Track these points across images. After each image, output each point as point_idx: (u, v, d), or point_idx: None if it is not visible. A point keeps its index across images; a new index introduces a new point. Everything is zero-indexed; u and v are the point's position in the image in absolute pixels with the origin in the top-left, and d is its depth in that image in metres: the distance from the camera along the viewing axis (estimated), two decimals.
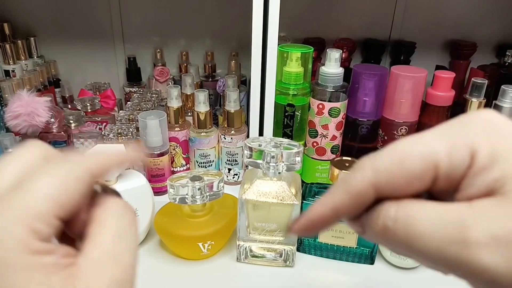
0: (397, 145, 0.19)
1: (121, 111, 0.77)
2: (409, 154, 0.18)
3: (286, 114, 0.67)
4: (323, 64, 0.67)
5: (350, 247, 0.56)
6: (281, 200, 0.52)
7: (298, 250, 0.58)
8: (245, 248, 0.56)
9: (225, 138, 0.72)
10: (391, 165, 0.19)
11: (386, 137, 0.69)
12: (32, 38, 0.88)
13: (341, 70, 0.66)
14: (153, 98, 0.80)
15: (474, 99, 0.67)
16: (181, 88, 0.74)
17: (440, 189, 0.19)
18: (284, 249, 0.56)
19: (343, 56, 0.84)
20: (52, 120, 0.67)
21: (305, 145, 0.71)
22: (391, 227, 0.19)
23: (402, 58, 0.91)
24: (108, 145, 0.53)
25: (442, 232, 0.17)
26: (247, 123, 0.74)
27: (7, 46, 0.81)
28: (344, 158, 0.56)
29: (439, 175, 0.18)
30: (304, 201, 0.55)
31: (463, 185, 0.18)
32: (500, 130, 0.18)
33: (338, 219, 0.21)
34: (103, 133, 0.69)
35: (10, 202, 0.18)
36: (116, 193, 0.23)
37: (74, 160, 0.21)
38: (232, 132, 0.71)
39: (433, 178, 0.18)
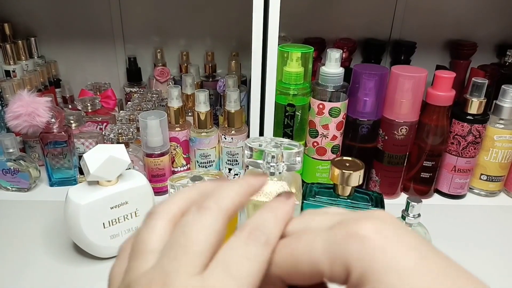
0: (294, 246, 0.22)
1: (121, 111, 0.77)
2: (301, 261, 0.22)
3: (287, 114, 0.67)
4: (324, 64, 0.67)
5: None
6: None
7: None
8: None
9: (225, 138, 0.72)
10: (288, 265, 0.22)
11: (386, 137, 0.69)
12: (32, 39, 0.88)
13: (341, 70, 0.66)
14: (153, 98, 0.81)
15: (474, 99, 0.67)
16: (181, 88, 0.74)
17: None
18: None
19: (344, 56, 0.84)
20: (53, 120, 0.67)
21: (305, 145, 0.71)
22: None
23: (402, 58, 0.91)
24: (108, 145, 0.53)
25: None
26: (247, 123, 0.74)
27: (8, 46, 0.81)
28: (344, 158, 0.56)
29: (324, 278, 0.21)
30: (304, 201, 0.55)
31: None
32: (374, 250, 0.20)
33: None
34: (103, 133, 0.69)
35: (217, 283, 0.20)
36: None
37: (265, 237, 0.22)
38: (233, 132, 0.71)
39: (320, 278, 0.21)
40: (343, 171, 0.53)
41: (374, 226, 0.21)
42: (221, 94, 0.82)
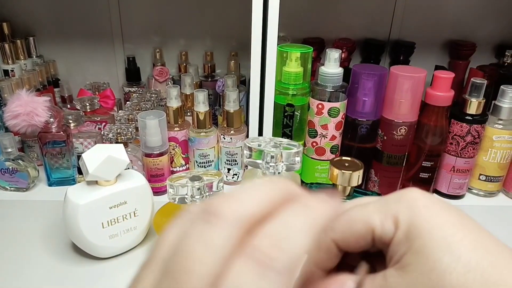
0: (349, 212, 0.24)
1: (120, 111, 0.77)
2: (355, 221, 0.24)
3: (286, 114, 0.67)
4: (323, 64, 0.67)
5: None
6: None
7: None
8: None
9: (224, 138, 0.72)
10: (344, 227, 0.24)
11: (385, 137, 0.69)
12: (31, 38, 0.88)
13: (340, 70, 0.66)
14: (152, 98, 0.80)
15: (473, 99, 0.67)
16: (180, 88, 0.74)
17: (378, 249, 0.24)
18: None
19: (343, 56, 0.84)
20: (51, 120, 0.67)
21: (304, 145, 0.71)
22: None
23: (401, 58, 0.91)
24: (107, 145, 0.53)
25: None
26: (246, 123, 0.74)
27: (6, 45, 0.81)
28: (343, 158, 0.56)
29: (375, 237, 0.23)
30: None
31: (389, 249, 0.23)
32: (420, 209, 0.22)
33: (322, 272, 0.25)
34: (102, 133, 0.69)
35: None
36: None
37: (286, 267, 0.18)
38: (232, 132, 0.71)
39: (372, 239, 0.23)
40: (342, 171, 0.53)
41: (421, 192, 0.23)
42: (220, 94, 0.82)
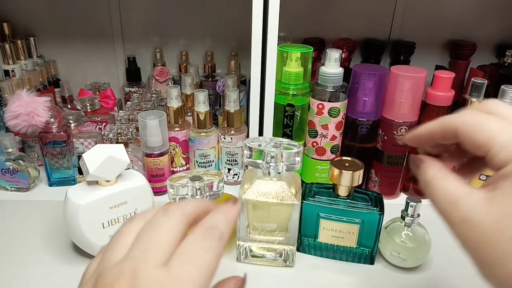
0: (488, 120, 0.27)
1: (120, 111, 0.77)
2: (481, 132, 0.26)
3: (286, 114, 0.67)
4: (323, 64, 0.67)
5: (350, 247, 0.56)
6: (281, 200, 0.52)
7: (298, 250, 0.58)
8: (245, 248, 0.56)
9: (225, 138, 0.72)
10: (470, 128, 0.27)
11: (385, 137, 0.69)
12: (31, 38, 0.88)
13: (340, 70, 0.66)
14: (152, 98, 0.80)
15: (473, 99, 0.67)
16: (180, 88, 0.74)
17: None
18: (284, 249, 0.56)
19: (343, 56, 0.84)
20: (52, 120, 0.67)
21: (305, 145, 0.71)
22: (423, 186, 0.30)
23: (401, 58, 0.91)
24: (107, 145, 0.53)
25: (444, 202, 0.28)
26: (247, 123, 0.74)
27: (7, 46, 0.81)
28: (344, 158, 0.56)
29: (487, 156, 0.26)
30: (304, 201, 0.55)
31: (491, 178, 0.26)
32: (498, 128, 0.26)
33: (430, 141, 0.31)
34: (102, 133, 0.69)
35: (182, 273, 0.23)
36: None
37: (219, 233, 0.26)
38: (232, 132, 0.71)
39: (484, 154, 0.27)
40: (343, 171, 0.53)
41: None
42: (221, 94, 0.82)
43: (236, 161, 0.73)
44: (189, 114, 0.77)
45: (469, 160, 0.33)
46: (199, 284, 0.23)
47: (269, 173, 0.52)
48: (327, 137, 0.68)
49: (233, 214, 0.28)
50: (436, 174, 0.29)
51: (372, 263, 0.57)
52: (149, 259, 0.23)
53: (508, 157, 0.25)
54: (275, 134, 0.69)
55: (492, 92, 0.80)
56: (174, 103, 0.71)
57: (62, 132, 0.69)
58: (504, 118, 0.27)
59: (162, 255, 0.23)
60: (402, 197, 0.72)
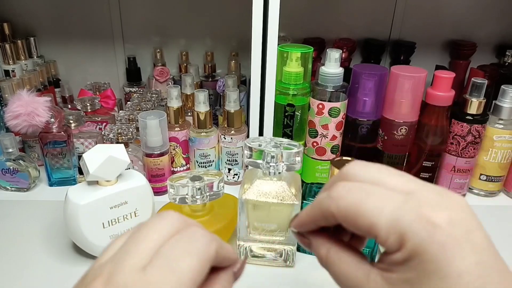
0: (363, 199, 0.23)
1: (121, 111, 0.77)
2: (362, 217, 0.23)
3: (286, 114, 0.67)
4: (323, 64, 0.67)
5: None
6: (281, 200, 0.52)
7: (298, 250, 0.58)
8: (245, 248, 0.56)
9: (225, 138, 0.72)
10: (349, 213, 0.23)
11: (386, 137, 0.69)
12: (32, 38, 0.88)
13: (341, 70, 0.66)
14: (153, 98, 0.80)
15: (474, 99, 0.67)
16: (181, 88, 0.74)
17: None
18: (284, 249, 0.56)
19: (343, 56, 0.84)
20: (52, 120, 0.67)
21: (305, 145, 0.71)
22: (322, 263, 0.27)
23: (402, 58, 0.91)
24: (107, 145, 0.53)
25: (349, 278, 0.25)
26: (247, 123, 0.74)
27: (7, 46, 0.81)
28: (344, 158, 0.56)
29: (376, 239, 0.23)
30: (304, 201, 0.55)
31: (386, 256, 0.23)
32: (438, 244, 0.20)
33: (317, 225, 0.27)
34: (103, 133, 0.69)
35: (158, 278, 0.21)
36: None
37: (207, 240, 0.24)
38: (232, 132, 0.71)
39: (372, 238, 0.23)
40: None
41: (449, 217, 0.21)
42: (221, 94, 0.82)
43: (236, 161, 0.73)
44: (189, 114, 0.77)
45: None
46: None
47: (269, 173, 0.52)
48: (327, 137, 0.68)
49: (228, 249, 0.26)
50: (330, 257, 0.26)
51: None
52: (127, 261, 0.22)
53: (398, 242, 0.21)
54: (275, 134, 0.69)
55: (492, 92, 0.80)
56: (174, 103, 0.71)
57: (63, 132, 0.69)
58: (376, 184, 0.24)
59: (142, 258, 0.22)
60: None
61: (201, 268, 0.23)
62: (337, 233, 0.28)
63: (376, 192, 0.23)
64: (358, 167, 0.26)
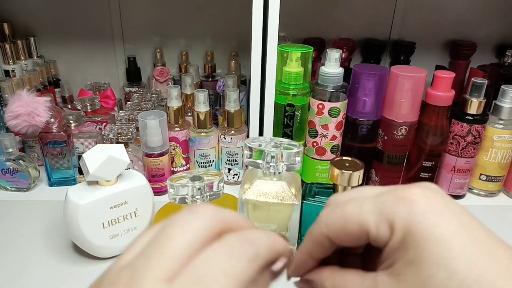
0: (345, 208, 0.24)
1: (121, 111, 0.77)
2: (349, 221, 0.23)
3: (286, 114, 0.67)
4: (323, 64, 0.67)
5: None
6: (281, 200, 0.51)
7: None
8: None
9: (225, 138, 0.72)
10: (338, 226, 0.24)
11: (386, 137, 0.69)
12: (32, 38, 0.88)
13: (341, 70, 0.66)
14: (153, 98, 0.80)
15: (474, 99, 0.67)
16: (181, 88, 0.74)
17: (375, 246, 0.24)
18: None
19: (343, 56, 0.84)
20: (52, 120, 0.67)
21: (305, 145, 0.71)
22: None
23: (402, 58, 0.91)
24: (107, 145, 0.53)
25: None
26: (247, 123, 0.74)
27: (7, 46, 0.81)
28: (344, 158, 0.56)
29: (370, 238, 0.23)
30: (304, 201, 0.55)
31: (384, 251, 0.23)
32: (419, 214, 0.21)
33: (315, 261, 0.27)
34: (103, 133, 0.69)
35: None
36: None
37: (254, 251, 0.21)
38: (232, 132, 0.71)
39: (367, 239, 0.23)
40: (343, 171, 0.53)
41: (423, 191, 0.22)
42: (221, 94, 0.82)
43: (236, 161, 0.73)
44: (189, 114, 0.77)
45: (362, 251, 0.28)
46: None
47: (269, 173, 0.52)
48: (327, 137, 0.68)
49: (281, 246, 0.23)
50: (336, 285, 0.25)
51: None
52: (150, 269, 0.19)
53: (388, 227, 0.22)
54: (275, 134, 0.69)
55: (492, 92, 0.80)
56: (174, 103, 0.71)
57: (62, 132, 0.69)
58: (354, 197, 0.25)
59: (168, 267, 0.19)
60: None
61: None
62: (335, 261, 0.27)
63: (354, 199, 0.24)
64: (336, 195, 0.27)
